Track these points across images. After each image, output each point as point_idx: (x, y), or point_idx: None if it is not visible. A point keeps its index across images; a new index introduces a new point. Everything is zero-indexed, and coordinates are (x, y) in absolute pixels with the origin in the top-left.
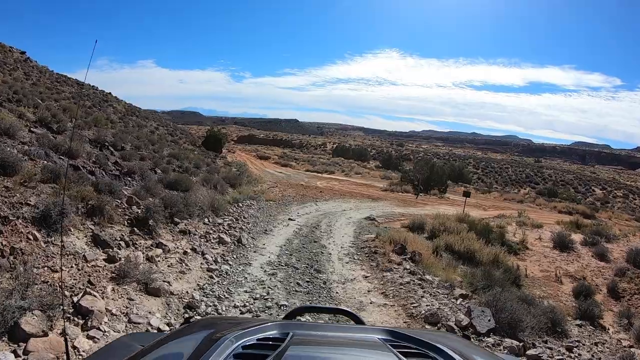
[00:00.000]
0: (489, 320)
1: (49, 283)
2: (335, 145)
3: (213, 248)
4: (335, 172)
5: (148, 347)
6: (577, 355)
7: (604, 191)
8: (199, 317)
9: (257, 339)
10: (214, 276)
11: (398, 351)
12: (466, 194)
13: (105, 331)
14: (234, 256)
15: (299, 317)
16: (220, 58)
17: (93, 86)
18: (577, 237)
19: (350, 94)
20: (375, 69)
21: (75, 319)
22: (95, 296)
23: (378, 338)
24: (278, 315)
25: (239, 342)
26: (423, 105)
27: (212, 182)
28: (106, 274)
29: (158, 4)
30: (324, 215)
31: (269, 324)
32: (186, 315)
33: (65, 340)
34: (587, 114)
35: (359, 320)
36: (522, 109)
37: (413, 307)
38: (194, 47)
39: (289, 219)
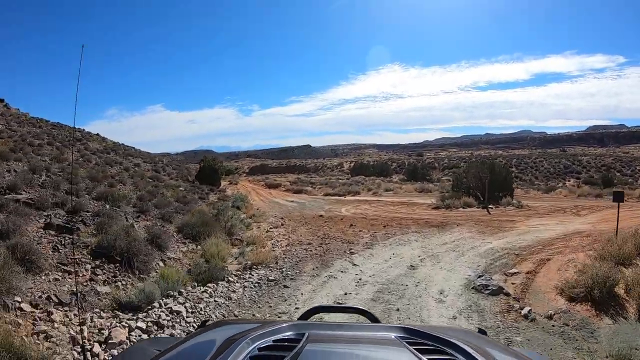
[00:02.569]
0: None
1: None
2: (352, 164)
3: None
4: (361, 192)
5: (165, 351)
6: None
7: None
8: (214, 320)
9: (273, 340)
10: None
11: (414, 348)
12: (618, 197)
13: None
14: None
15: (314, 318)
16: (226, 95)
17: (59, 124)
18: None
19: (359, 112)
20: (380, 85)
21: None
22: None
23: (394, 336)
24: None
25: (255, 344)
26: (432, 113)
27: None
28: None
29: (162, 50)
30: (387, 304)
31: (285, 325)
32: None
33: None
34: (596, 97)
35: (375, 319)
36: (531, 103)
37: None
38: (200, 87)
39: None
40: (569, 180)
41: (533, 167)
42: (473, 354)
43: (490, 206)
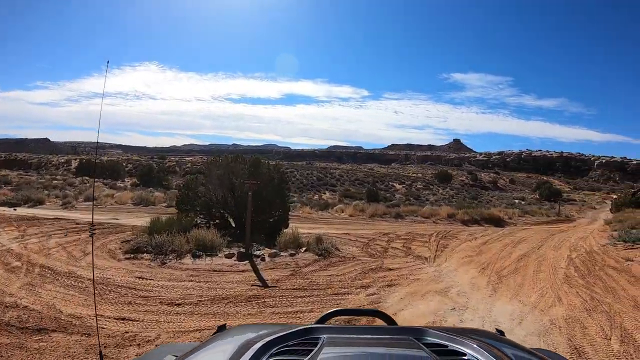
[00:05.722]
0: None
1: None
2: (78, 162)
3: None
4: (46, 201)
5: (182, 356)
6: None
7: (403, 185)
8: (232, 325)
9: (290, 344)
10: None
11: (431, 350)
12: None
13: None
14: None
15: (331, 321)
16: None
17: None
18: None
19: (108, 109)
20: (134, 83)
21: None
22: None
23: (411, 337)
24: None
25: (272, 349)
26: (183, 119)
27: None
28: None
29: None
30: None
31: (302, 328)
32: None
33: None
34: (338, 121)
35: (391, 321)
36: (279, 119)
37: None
38: None
39: None
40: (325, 193)
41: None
42: (490, 355)
43: (257, 252)
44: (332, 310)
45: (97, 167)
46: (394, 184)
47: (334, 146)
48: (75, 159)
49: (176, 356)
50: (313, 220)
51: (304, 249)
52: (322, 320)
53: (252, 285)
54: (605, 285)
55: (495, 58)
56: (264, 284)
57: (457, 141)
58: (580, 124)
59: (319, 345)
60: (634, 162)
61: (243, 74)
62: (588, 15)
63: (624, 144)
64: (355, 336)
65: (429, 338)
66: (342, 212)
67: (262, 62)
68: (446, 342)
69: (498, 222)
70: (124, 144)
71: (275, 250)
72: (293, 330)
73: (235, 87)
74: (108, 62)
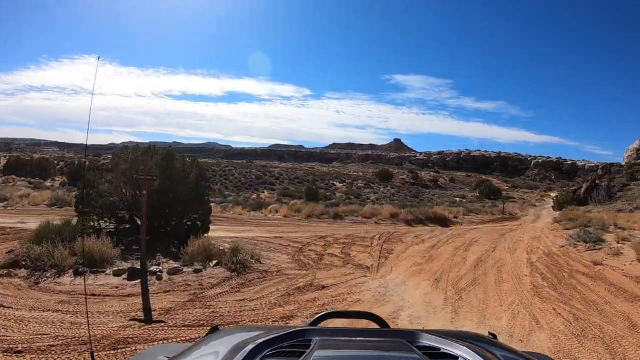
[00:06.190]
0: None
1: None
2: (7, 159)
3: None
4: None
5: (174, 357)
6: None
7: (344, 183)
8: (224, 327)
9: (283, 346)
10: None
11: (424, 352)
12: None
13: None
14: None
15: (324, 323)
16: None
17: None
18: None
19: (45, 104)
20: (73, 77)
21: None
22: None
23: (402, 340)
24: None
25: (264, 351)
26: (122, 115)
27: None
28: None
29: None
30: None
31: (294, 330)
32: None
33: None
34: (280, 120)
35: (384, 324)
36: (220, 117)
37: None
38: None
39: None
40: (264, 192)
41: (222, 175)
42: (482, 358)
43: (154, 267)
44: (324, 313)
45: (25, 165)
46: (335, 183)
47: (276, 145)
48: (5, 156)
49: (168, 357)
50: (243, 222)
51: (214, 261)
52: (315, 322)
53: (130, 320)
54: (584, 298)
55: (436, 61)
56: (148, 318)
57: (397, 141)
58: (517, 126)
59: (311, 348)
60: (569, 162)
61: (185, 70)
62: (523, 22)
63: (558, 145)
64: (347, 339)
65: (421, 341)
66: (277, 212)
67: (205, 58)
68: (438, 345)
69: (443, 222)
70: (60, 140)
71: (177, 265)
72: (286, 332)
73: (176, 83)
74: (99, 58)
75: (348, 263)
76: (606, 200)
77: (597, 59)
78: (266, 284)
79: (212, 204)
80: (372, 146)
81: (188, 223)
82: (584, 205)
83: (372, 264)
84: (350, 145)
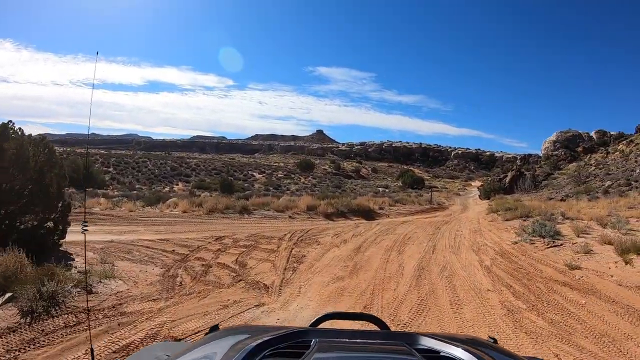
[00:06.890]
0: None
1: None
2: None
3: None
4: None
5: (174, 356)
6: None
7: (264, 174)
8: (225, 326)
9: (283, 347)
10: None
11: (423, 355)
12: None
13: None
14: None
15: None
16: None
17: None
18: None
19: None
20: None
21: None
22: None
23: (403, 342)
24: None
25: (264, 351)
26: (38, 105)
27: None
28: None
29: None
30: None
31: (294, 331)
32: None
33: None
34: (202, 111)
35: (384, 326)
36: (140, 108)
37: None
38: None
39: None
40: (177, 184)
41: (135, 168)
42: None
43: None
44: (325, 314)
45: None
46: (254, 173)
47: (197, 136)
48: None
49: (168, 355)
50: (131, 220)
51: (8, 294)
52: (316, 323)
53: None
54: (590, 331)
55: (359, 54)
56: None
57: (320, 132)
58: (437, 119)
59: (311, 349)
60: (487, 153)
61: (104, 57)
62: (444, 21)
63: (476, 137)
64: (347, 340)
65: (421, 344)
66: (176, 206)
67: (125, 44)
68: (438, 348)
69: (369, 214)
70: None
71: None
72: (286, 332)
73: (95, 71)
74: (98, 53)
75: (240, 280)
76: (532, 189)
77: (512, 54)
78: (70, 341)
79: (102, 199)
80: (294, 137)
81: (27, 225)
82: (510, 194)
83: (274, 282)
84: (273, 137)
